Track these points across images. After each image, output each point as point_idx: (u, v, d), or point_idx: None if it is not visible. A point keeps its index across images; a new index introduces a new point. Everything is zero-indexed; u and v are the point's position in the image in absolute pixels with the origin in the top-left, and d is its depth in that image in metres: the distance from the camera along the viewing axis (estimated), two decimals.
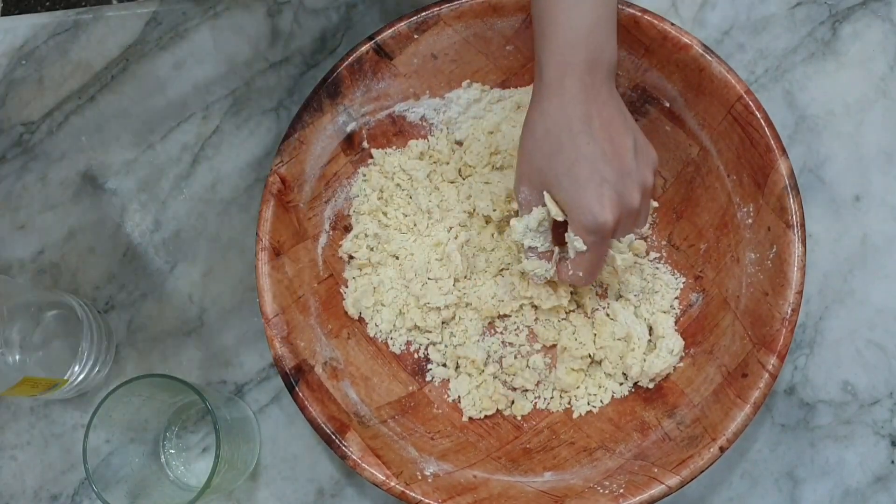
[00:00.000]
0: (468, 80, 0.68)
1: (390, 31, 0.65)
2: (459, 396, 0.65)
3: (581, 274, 0.60)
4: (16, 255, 0.72)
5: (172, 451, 0.66)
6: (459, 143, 0.70)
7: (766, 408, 0.66)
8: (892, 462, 0.66)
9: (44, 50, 0.76)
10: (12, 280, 0.67)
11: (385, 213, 0.68)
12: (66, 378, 0.64)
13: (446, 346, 0.66)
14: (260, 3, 0.75)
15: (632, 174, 0.56)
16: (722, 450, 0.58)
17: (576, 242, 0.57)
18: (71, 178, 0.73)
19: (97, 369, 0.67)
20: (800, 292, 0.59)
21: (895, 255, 0.69)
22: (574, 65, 0.54)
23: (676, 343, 0.64)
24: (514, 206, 0.61)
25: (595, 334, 0.65)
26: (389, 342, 0.67)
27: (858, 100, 0.72)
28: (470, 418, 0.65)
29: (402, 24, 0.65)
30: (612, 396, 0.65)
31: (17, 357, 0.59)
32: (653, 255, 0.68)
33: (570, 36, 0.54)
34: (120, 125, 0.74)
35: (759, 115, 0.61)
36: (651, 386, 0.64)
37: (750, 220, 0.63)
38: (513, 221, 0.60)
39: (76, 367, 0.65)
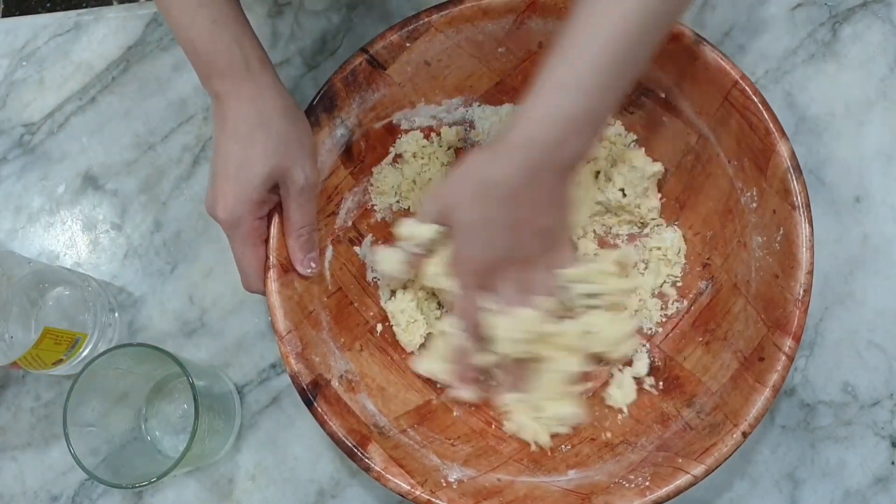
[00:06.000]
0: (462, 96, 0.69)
1: (382, 42, 0.65)
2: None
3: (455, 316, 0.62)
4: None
5: (153, 423, 0.67)
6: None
7: None
8: (893, 463, 0.66)
9: (45, 51, 0.76)
10: (17, 254, 0.68)
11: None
12: (85, 332, 0.65)
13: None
14: (260, 4, 0.75)
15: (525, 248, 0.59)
16: (745, 435, 0.57)
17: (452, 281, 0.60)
18: (71, 178, 0.73)
19: (110, 325, 0.68)
20: (810, 272, 0.58)
21: (895, 257, 0.69)
22: (539, 143, 0.55)
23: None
24: None
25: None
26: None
27: (859, 101, 0.72)
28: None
29: (394, 33, 0.65)
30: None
31: (37, 314, 0.60)
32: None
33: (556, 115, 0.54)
34: (120, 126, 0.74)
35: (756, 100, 0.61)
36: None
37: (754, 205, 0.62)
38: (404, 221, 0.61)
39: (90, 320, 0.66)
